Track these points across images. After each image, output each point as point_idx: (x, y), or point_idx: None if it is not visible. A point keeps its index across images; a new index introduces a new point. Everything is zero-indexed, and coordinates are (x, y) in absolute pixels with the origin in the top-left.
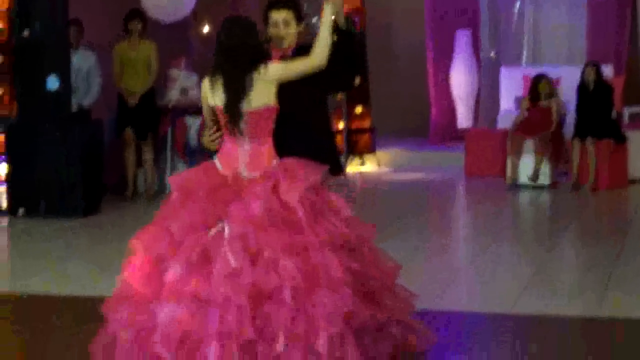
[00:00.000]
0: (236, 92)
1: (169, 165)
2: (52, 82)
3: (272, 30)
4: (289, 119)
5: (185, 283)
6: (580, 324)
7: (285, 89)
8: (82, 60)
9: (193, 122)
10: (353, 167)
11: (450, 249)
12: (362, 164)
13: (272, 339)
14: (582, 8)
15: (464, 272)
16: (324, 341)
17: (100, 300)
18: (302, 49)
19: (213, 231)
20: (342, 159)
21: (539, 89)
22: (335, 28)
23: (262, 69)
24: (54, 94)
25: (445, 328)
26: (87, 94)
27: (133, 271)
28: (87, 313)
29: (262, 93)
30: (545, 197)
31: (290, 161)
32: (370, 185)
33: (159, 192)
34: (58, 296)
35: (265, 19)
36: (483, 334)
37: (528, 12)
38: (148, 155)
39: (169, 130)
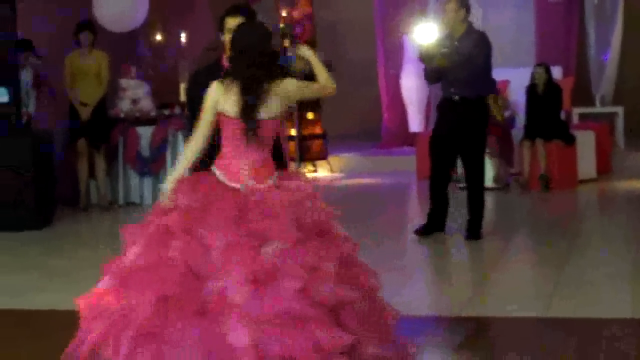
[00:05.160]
0: (255, 99)
1: (121, 175)
2: (2, 95)
3: (227, 37)
4: None
5: (257, 306)
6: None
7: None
8: (26, 75)
9: (144, 132)
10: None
11: (405, 253)
12: (315, 170)
13: (368, 341)
14: (530, 10)
15: (421, 275)
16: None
17: (56, 313)
18: None
19: (268, 250)
20: (295, 165)
21: None
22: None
23: (279, 81)
24: (3, 106)
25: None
26: (28, 105)
27: (164, 280)
28: (42, 326)
29: (275, 104)
30: (496, 198)
31: (286, 173)
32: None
33: (112, 202)
34: (13, 310)
35: (221, 26)
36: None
37: (476, 14)
38: (100, 166)
39: (120, 140)
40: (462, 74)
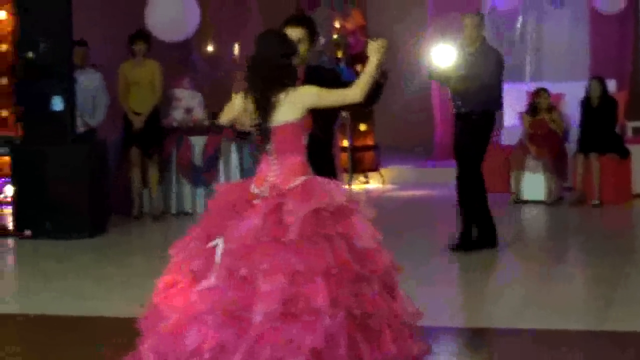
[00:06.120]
0: (263, 110)
1: (173, 184)
2: (57, 103)
3: None
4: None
5: (179, 296)
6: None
7: None
8: (88, 81)
9: (197, 142)
10: (357, 185)
11: (453, 266)
12: (367, 181)
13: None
14: (584, 23)
15: (469, 287)
16: None
17: (105, 320)
18: (314, 69)
19: (209, 245)
20: (347, 176)
21: (536, 103)
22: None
23: (290, 90)
24: (58, 115)
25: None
26: (94, 114)
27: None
28: (93, 332)
29: (289, 110)
30: (549, 212)
31: (317, 179)
32: (374, 203)
33: (164, 211)
34: (65, 316)
35: None
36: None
37: (531, 28)
38: (153, 175)
39: (174, 150)
40: (472, 90)
